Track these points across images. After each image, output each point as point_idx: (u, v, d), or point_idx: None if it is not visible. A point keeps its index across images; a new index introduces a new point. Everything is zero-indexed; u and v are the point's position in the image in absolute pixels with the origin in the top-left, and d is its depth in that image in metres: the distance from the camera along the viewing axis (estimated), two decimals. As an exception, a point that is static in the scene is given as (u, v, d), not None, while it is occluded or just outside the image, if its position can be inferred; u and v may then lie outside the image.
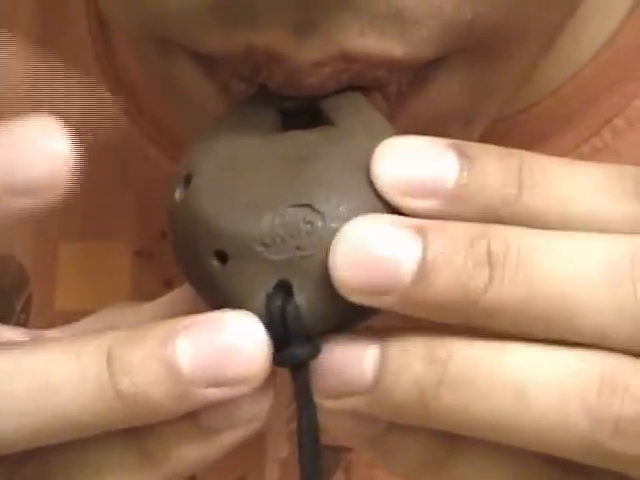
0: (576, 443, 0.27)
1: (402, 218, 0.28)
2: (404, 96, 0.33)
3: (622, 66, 0.42)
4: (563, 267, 0.27)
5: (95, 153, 0.45)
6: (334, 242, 0.28)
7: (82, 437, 0.29)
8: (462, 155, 0.28)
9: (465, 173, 0.28)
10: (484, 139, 0.33)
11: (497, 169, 0.28)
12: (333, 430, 0.30)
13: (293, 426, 0.43)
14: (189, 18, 0.31)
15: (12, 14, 0.49)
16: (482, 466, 0.29)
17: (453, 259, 0.27)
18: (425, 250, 0.27)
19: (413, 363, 0.28)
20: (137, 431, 0.29)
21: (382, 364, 0.28)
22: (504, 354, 0.28)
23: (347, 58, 0.31)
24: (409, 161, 0.28)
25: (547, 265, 0.27)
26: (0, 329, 0.32)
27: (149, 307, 0.33)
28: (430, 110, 0.33)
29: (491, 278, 0.27)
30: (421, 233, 0.27)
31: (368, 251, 0.27)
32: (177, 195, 0.31)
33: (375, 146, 0.29)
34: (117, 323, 0.32)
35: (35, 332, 0.33)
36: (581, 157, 0.42)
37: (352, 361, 0.28)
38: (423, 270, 0.27)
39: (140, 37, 0.34)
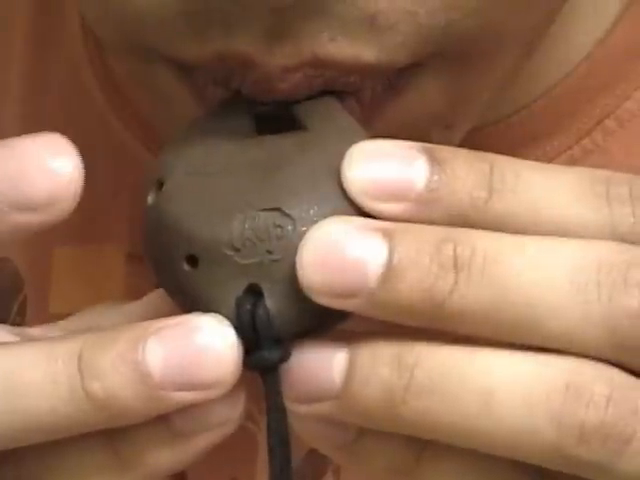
0: (542, 449, 0.27)
1: (369, 220, 0.28)
2: (379, 101, 0.33)
3: (613, 67, 0.42)
4: (530, 272, 0.27)
5: (87, 157, 0.45)
6: (301, 243, 0.28)
7: (54, 439, 0.29)
8: (432, 159, 0.28)
9: (435, 177, 0.28)
10: (474, 142, 0.33)
11: (467, 173, 0.28)
12: (304, 435, 0.30)
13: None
14: (162, 24, 0.31)
15: (9, 15, 0.49)
16: (451, 473, 0.29)
17: (419, 262, 0.27)
18: (391, 253, 0.27)
19: (381, 369, 0.28)
20: (111, 434, 0.30)
21: (350, 369, 0.28)
22: (471, 360, 0.28)
23: (319, 64, 0.31)
24: (379, 164, 0.28)
25: (514, 270, 0.27)
26: None
27: (131, 307, 0.33)
28: (407, 115, 0.33)
29: (456, 282, 0.27)
30: (388, 236, 0.27)
31: (334, 253, 0.27)
32: (149, 199, 0.31)
33: (346, 150, 0.29)
34: (100, 322, 0.32)
35: (19, 329, 0.33)
36: (572, 158, 0.41)
37: (321, 366, 0.28)
38: (389, 273, 0.27)
39: (117, 44, 0.34)
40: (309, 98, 0.32)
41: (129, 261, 0.46)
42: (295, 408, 0.29)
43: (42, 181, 0.28)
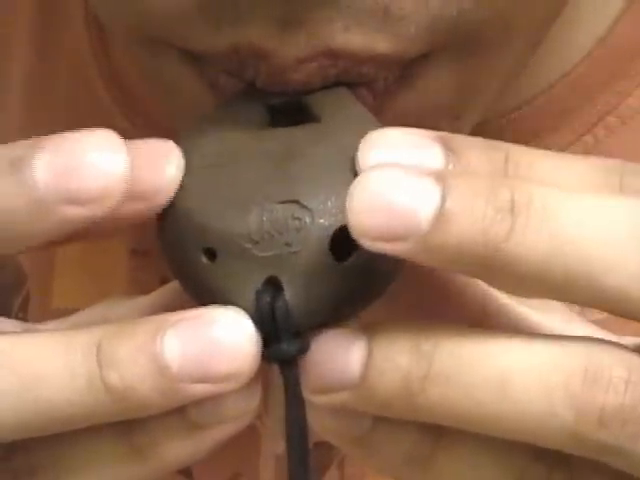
0: (561, 434, 0.27)
1: (421, 166, 0.28)
2: (391, 92, 0.33)
3: (615, 64, 0.42)
4: (589, 224, 0.27)
5: None
6: (351, 188, 0.27)
7: (70, 430, 0.29)
8: (448, 148, 0.28)
9: (450, 166, 0.28)
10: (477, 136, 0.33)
11: (482, 162, 0.28)
12: (318, 428, 0.30)
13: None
14: (176, 16, 0.31)
15: (12, 14, 0.49)
16: (468, 462, 0.29)
17: (474, 205, 0.26)
18: (444, 196, 0.26)
19: (399, 357, 0.28)
20: (127, 425, 0.30)
21: (369, 359, 0.28)
22: (488, 346, 0.28)
23: (332, 54, 0.31)
24: (394, 153, 0.28)
25: (572, 220, 0.27)
26: None
27: (142, 301, 0.33)
28: (418, 106, 0.34)
29: (513, 227, 0.26)
30: (441, 179, 0.27)
31: (385, 196, 0.26)
32: None
33: (360, 141, 0.29)
34: (111, 317, 0.32)
35: (28, 325, 0.33)
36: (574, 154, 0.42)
37: (339, 356, 0.28)
38: (442, 215, 0.26)
39: (129, 37, 0.34)
40: (322, 89, 0.32)
41: (133, 256, 0.46)
42: (314, 399, 0.29)
43: (93, 176, 0.28)
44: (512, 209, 0.27)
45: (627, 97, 0.42)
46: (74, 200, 0.28)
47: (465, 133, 0.36)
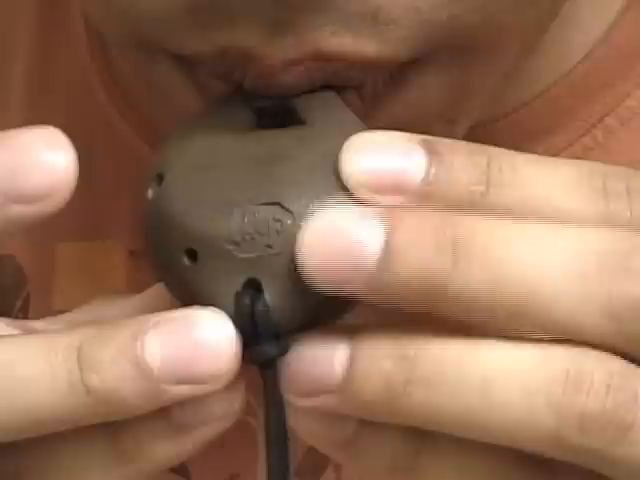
0: (542, 438, 0.27)
1: (367, 206, 0.28)
2: (380, 96, 0.33)
3: (614, 65, 0.42)
4: (531, 257, 0.27)
5: (91, 155, 0.46)
6: (301, 230, 0.28)
7: (54, 432, 0.29)
8: (431, 152, 0.28)
9: (433, 170, 0.28)
10: (474, 139, 0.33)
11: (465, 166, 0.28)
12: (302, 433, 0.30)
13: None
14: (164, 19, 0.31)
15: (13, 14, 0.49)
16: (452, 466, 0.29)
17: (418, 244, 0.27)
18: (390, 235, 0.27)
19: (382, 361, 0.28)
20: (111, 427, 0.30)
21: (352, 362, 0.28)
22: (470, 351, 0.28)
23: (321, 57, 0.31)
24: (377, 157, 0.28)
25: (515, 253, 0.27)
26: None
27: (132, 301, 0.33)
28: (409, 110, 0.33)
29: (456, 264, 0.27)
30: (386, 218, 0.27)
31: (333, 237, 0.27)
32: (149, 193, 0.31)
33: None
34: (102, 315, 0.32)
35: (20, 322, 0.33)
36: (573, 156, 0.41)
37: (322, 359, 0.28)
38: (387, 255, 0.27)
39: (121, 40, 0.34)
40: (310, 92, 0.32)
41: (132, 257, 0.46)
42: (296, 402, 0.29)
43: (38, 174, 0.28)
44: (455, 246, 0.27)
45: (626, 98, 0.42)
46: (20, 199, 0.28)
47: (459, 136, 0.35)
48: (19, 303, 0.48)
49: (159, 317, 0.29)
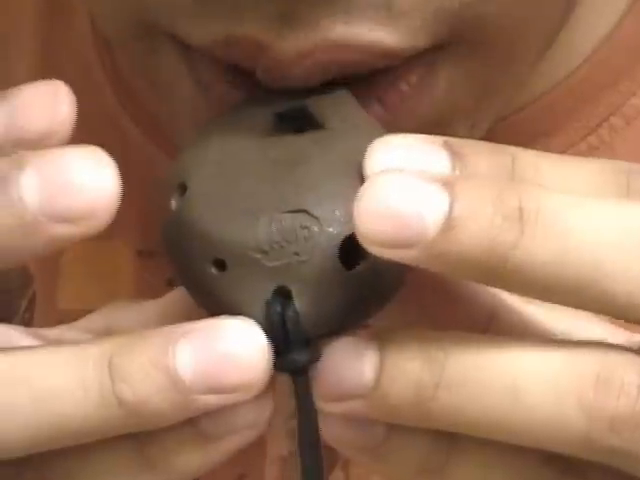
0: (572, 440, 0.27)
1: (428, 172, 0.27)
2: (403, 101, 0.33)
3: (619, 64, 0.42)
4: (597, 232, 0.27)
5: None
6: (358, 195, 0.27)
7: (82, 443, 0.29)
8: (454, 153, 0.28)
9: (457, 171, 0.28)
10: (482, 139, 0.33)
11: (489, 167, 0.28)
12: (330, 439, 0.30)
13: (292, 424, 0.44)
14: (172, 8, 0.31)
15: (16, 14, 0.49)
16: (481, 467, 0.29)
17: (481, 212, 0.26)
18: (452, 203, 0.26)
19: (411, 365, 0.28)
20: (138, 436, 0.30)
21: (381, 367, 0.28)
22: (499, 353, 0.28)
23: (333, 49, 0.31)
24: (401, 159, 0.28)
25: (581, 227, 0.27)
26: (5, 329, 0.33)
27: (150, 306, 0.33)
28: (433, 112, 0.33)
29: (521, 234, 0.26)
30: (448, 185, 0.27)
31: (392, 204, 0.26)
32: (172, 204, 0.31)
33: (367, 147, 0.29)
34: (118, 322, 0.32)
35: (33, 330, 0.33)
36: (578, 155, 0.42)
37: (351, 364, 0.28)
38: (449, 222, 0.26)
39: (123, 31, 0.34)
40: (323, 85, 0.32)
41: (138, 257, 0.46)
42: (326, 407, 0.29)
43: (82, 195, 0.27)
44: (520, 216, 0.26)
45: (631, 97, 0.42)
46: (64, 219, 0.27)
47: (479, 137, 0.36)
48: (25, 303, 0.48)
49: (189, 327, 0.29)
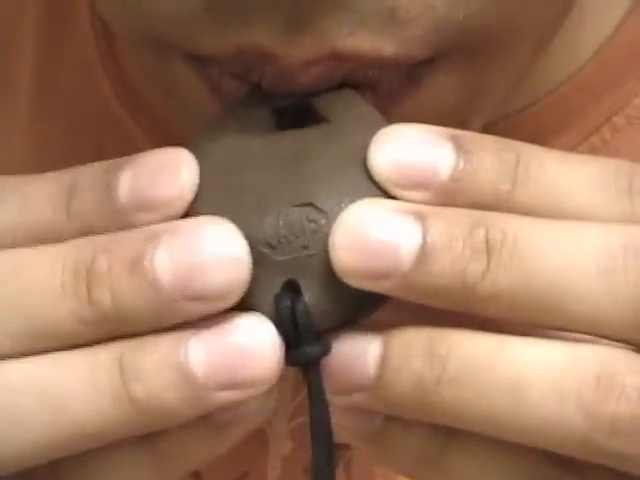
0: (572, 440, 0.27)
1: (402, 203, 0.28)
2: (396, 95, 0.33)
3: (621, 65, 0.42)
4: (557, 255, 0.28)
5: (100, 156, 0.46)
6: (334, 226, 0.28)
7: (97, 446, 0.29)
8: (459, 147, 0.29)
9: (461, 166, 0.29)
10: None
11: (493, 163, 0.29)
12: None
13: (294, 423, 0.44)
14: (182, 18, 0.31)
15: (17, 15, 0.49)
16: (478, 462, 0.29)
17: (452, 245, 0.28)
18: (425, 235, 0.28)
19: (413, 360, 0.28)
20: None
21: (384, 360, 0.28)
22: (502, 350, 0.28)
23: (339, 57, 0.31)
24: (406, 150, 0.29)
25: (542, 253, 0.28)
26: None
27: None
28: (423, 109, 0.34)
29: (488, 265, 0.28)
30: (421, 218, 0.28)
31: (368, 235, 0.28)
32: None
33: (371, 139, 0.29)
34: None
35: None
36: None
37: (356, 358, 0.29)
38: (422, 255, 0.28)
39: (135, 39, 0.34)
40: (328, 91, 0.32)
41: None
42: (333, 399, 0.29)
43: (216, 271, 0.28)
44: (487, 248, 0.28)
45: (634, 97, 0.42)
46: (198, 298, 0.28)
47: None
48: None
49: (200, 324, 0.28)
